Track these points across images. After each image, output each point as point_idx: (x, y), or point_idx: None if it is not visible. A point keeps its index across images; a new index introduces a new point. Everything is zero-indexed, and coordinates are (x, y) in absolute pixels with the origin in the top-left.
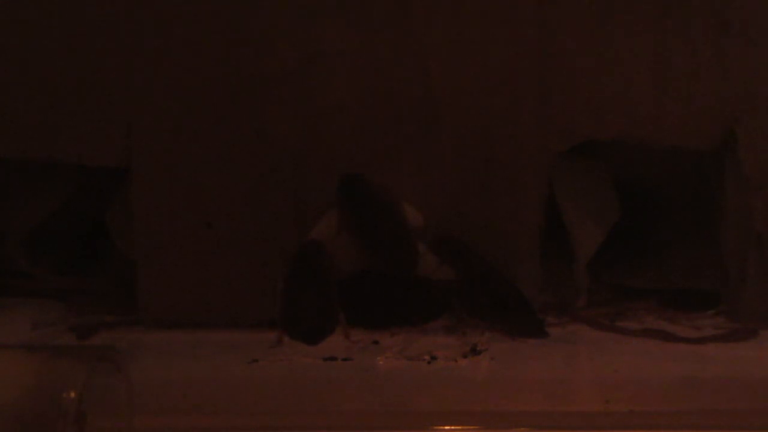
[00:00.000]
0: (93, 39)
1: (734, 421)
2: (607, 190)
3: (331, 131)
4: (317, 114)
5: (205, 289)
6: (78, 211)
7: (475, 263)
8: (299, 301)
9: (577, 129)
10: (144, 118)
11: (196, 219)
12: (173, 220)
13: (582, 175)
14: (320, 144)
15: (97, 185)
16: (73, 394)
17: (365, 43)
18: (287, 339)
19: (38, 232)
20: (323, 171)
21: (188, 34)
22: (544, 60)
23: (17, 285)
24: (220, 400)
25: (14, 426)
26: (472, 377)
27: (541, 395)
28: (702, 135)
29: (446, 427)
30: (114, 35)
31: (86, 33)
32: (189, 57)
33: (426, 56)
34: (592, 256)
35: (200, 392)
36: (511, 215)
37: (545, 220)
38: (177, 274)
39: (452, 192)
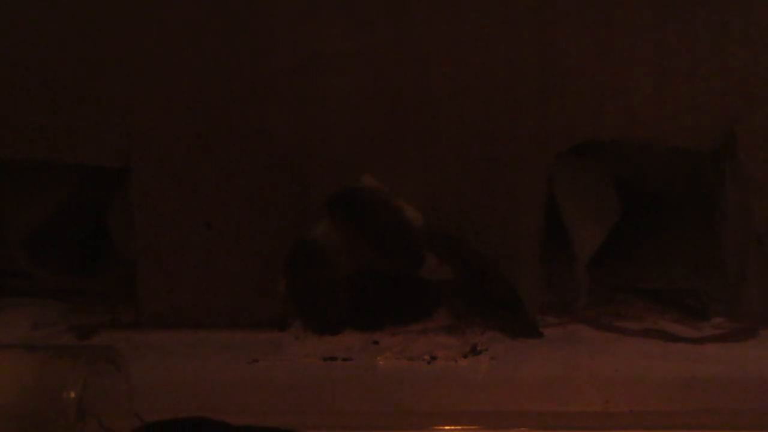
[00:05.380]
0: (93, 40)
1: (734, 421)
2: (607, 190)
3: (331, 131)
4: (317, 114)
5: (205, 289)
6: (78, 211)
7: (471, 261)
8: (312, 294)
9: (577, 129)
10: (144, 118)
11: (196, 219)
12: (173, 220)
13: (582, 175)
14: (320, 143)
15: (97, 185)
16: (73, 394)
17: (365, 42)
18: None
19: (38, 232)
20: (323, 171)
21: (188, 35)
22: (544, 60)
23: (17, 285)
24: (220, 400)
25: (14, 426)
26: (472, 377)
27: (541, 395)
28: (702, 135)
29: (446, 427)
30: (113, 36)
31: (86, 33)
32: (189, 57)
33: (426, 56)
34: (592, 256)
35: (200, 392)
36: (511, 215)
37: (545, 220)
38: (177, 275)
39: (452, 192)
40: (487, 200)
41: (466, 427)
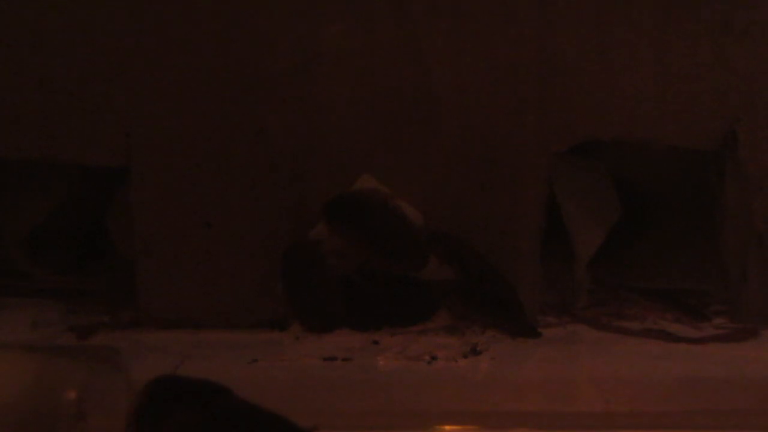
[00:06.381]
0: (92, 39)
1: (734, 421)
2: (607, 190)
3: (331, 131)
4: (317, 113)
5: (205, 289)
6: (78, 211)
7: (471, 261)
8: (307, 293)
9: (577, 129)
10: (143, 118)
11: (195, 218)
12: (173, 220)
13: (582, 175)
14: (320, 143)
15: (97, 185)
16: (73, 394)
17: (365, 43)
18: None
19: (38, 232)
20: (323, 170)
21: (188, 34)
22: (544, 60)
23: (17, 285)
24: None
25: (14, 426)
26: (472, 377)
27: (541, 395)
28: (702, 135)
29: (446, 427)
30: (113, 35)
31: (85, 33)
32: (189, 57)
33: (426, 56)
34: (592, 256)
35: None
36: (511, 215)
37: (545, 220)
38: (177, 274)
39: (452, 192)
40: (486, 200)
41: (466, 427)
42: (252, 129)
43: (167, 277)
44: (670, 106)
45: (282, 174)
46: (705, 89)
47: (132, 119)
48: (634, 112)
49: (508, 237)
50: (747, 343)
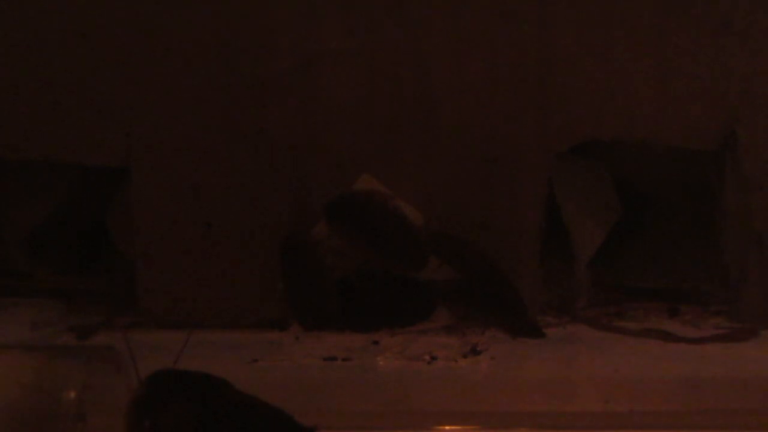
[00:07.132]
0: (92, 39)
1: (734, 421)
2: (607, 190)
3: (331, 131)
4: (317, 114)
5: (205, 289)
6: (78, 211)
7: (473, 261)
8: (305, 291)
9: (577, 129)
10: (144, 118)
11: (196, 219)
12: (173, 220)
13: (582, 175)
14: (320, 144)
15: (97, 185)
16: (73, 394)
17: (365, 43)
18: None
19: (38, 232)
20: (323, 171)
21: (188, 34)
22: (544, 60)
23: (17, 285)
24: None
25: (14, 426)
26: (472, 377)
27: (541, 395)
28: (702, 135)
29: (446, 427)
30: (113, 35)
31: (86, 33)
32: (189, 57)
33: (426, 56)
34: (592, 256)
35: None
36: (511, 215)
37: (545, 220)
38: (177, 274)
39: (452, 192)
40: (487, 200)
41: (466, 427)
42: (252, 129)
43: (167, 277)
44: (670, 106)
45: (282, 174)
46: (705, 89)
47: (132, 119)
48: (634, 112)
49: (508, 237)
50: (747, 343)
